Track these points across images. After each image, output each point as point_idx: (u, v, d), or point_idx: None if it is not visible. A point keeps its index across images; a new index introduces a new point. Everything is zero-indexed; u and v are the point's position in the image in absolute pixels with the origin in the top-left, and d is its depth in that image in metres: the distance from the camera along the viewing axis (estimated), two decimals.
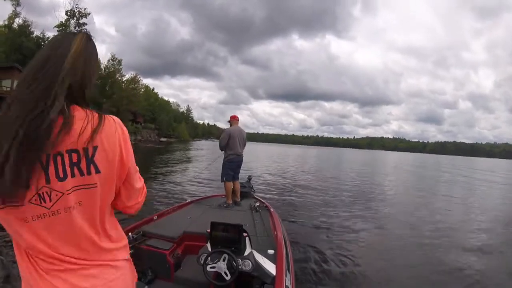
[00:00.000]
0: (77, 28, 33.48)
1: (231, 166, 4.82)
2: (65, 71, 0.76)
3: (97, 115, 0.81)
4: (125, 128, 0.88)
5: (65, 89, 0.76)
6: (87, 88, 0.85)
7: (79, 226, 0.79)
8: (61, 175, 0.75)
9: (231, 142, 4.83)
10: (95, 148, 0.78)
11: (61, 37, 0.85)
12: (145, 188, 1.03)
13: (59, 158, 0.74)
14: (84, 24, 34.17)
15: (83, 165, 0.76)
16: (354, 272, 3.57)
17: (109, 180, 0.83)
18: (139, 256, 2.52)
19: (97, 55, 0.92)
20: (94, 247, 0.83)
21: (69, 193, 0.76)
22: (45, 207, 0.75)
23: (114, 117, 0.87)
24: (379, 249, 4.33)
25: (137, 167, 0.96)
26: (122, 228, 0.94)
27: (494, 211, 8.25)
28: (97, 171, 0.78)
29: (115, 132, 0.83)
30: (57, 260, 0.78)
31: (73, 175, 0.76)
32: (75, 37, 0.84)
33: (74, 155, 0.76)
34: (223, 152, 4.97)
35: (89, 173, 0.78)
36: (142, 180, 1.01)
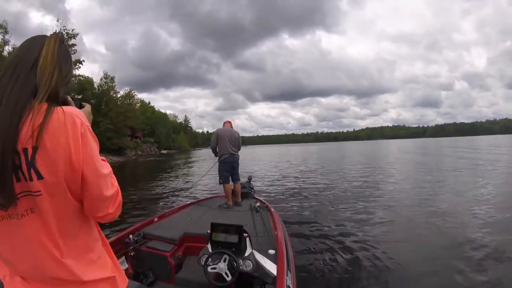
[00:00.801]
0: None
1: (226, 167, 4.78)
2: (35, 73, 0.75)
3: (44, 107, 0.71)
4: (79, 122, 0.74)
5: (33, 90, 0.73)
6: (58, 90, 0.79)
7: (34, 237, 0.73)
8: None
9: (220, 142, 4.80)
10: (34, 149, 0.68)
11: (32, 40, 0.82)
12: (119, 196, 0.86)
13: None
14: (74, 45, 34.23)
15: (24, 168, 0.69)
16: (356, 271, 3.51)
17: (57, 188, 0.72)
18: (140, 258, 2.56)
19: (69, 57, 0.87)
20: (55, 262, 0.75)
21: (18, 198, 0.70)
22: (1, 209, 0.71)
23: (67, 108, 0.75)
24: (384, 247, 4.21)
25: (105, 171, 0.80)
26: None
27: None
28: (39, 177, 0.69)
29: (62, 129, 0.71)
30: (17, 271, 0.76)
31: (18, 179, 0.69)
32: (46, 40, 0.81)
33: (16, 157, 0.68)
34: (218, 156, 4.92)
35: (30, 178, 0.69)
36: (115, 186, 0.84)
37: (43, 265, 0.74)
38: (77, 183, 0.74)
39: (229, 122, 5.15)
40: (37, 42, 0.80)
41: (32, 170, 0.69)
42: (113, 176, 0.85)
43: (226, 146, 4.78)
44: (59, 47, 0.81)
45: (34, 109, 0.70)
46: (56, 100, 0.77)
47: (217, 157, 4.94)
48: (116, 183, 0.85)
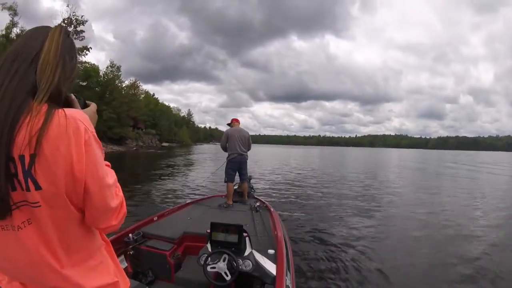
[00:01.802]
0: (75, 36, 33.70)
1: (232, 166, 4.85)
2: (35, 68, 0.67)
3: (44, 109, 0.64)
4: (83, 128, 0.66)
5: (31, 89, 0.66)
6: (61, 89, 0.71)
7: (32, 249, 0.67)
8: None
9: (230, 142, 4.86)
10: (32, 156, 0.61)
11: (33, 31, 0.74)
12: (124, 207, 0.79)
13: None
14: (82, 31, 34.30)
15: (20, 177, 0.62)
16: (356, 271, 3.52)
17: (57, 199, 0.65)
18: (139, 257, 2.55)
19: (74, 52, 0.79)
20: (54, 274, 0.70)
21: (14, 209, 0.64)
22: None
23: (70, 111, 0.67)
24: (383, 248, 4.27)
25: (110, 180, 0.73)
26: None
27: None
28: (37, 188, 0.63)
29: (63, 135, 0.63)
30: (16, 278, 0.72)
31: (13, 189, 0.63)
32: (49, 32, 0.73)
33: (11, 164, 0.61)
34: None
35: (27, 188, 0.63)
36: (120, 196, 0.77)
37: (42, 276, 0.70)
38: (79, 195, 0.68)
39: (237, 120, 5.16)
40: (39, 34, 0.72)
41: (29, 180, 0.62)
42: (118, 185, 0.79)
43: (236, 146, 4.84)
44: (64, 41, 0.73)
45: (33, 111, 0.63)
46: (58, 100, 0.70)
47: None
48: (121, 193, 0.78)
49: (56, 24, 0.77)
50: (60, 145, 0.63)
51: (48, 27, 0.75)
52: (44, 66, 0.68)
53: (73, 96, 0.82)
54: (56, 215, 0.67)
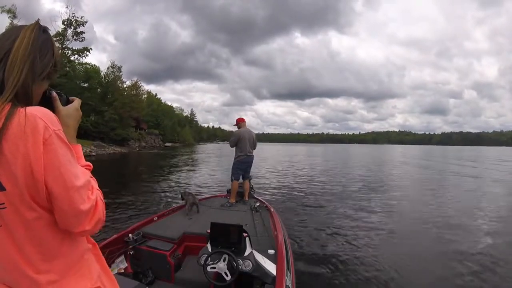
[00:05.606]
0: (75, 37, 33.80)
1: (241, 166, 4.99)
2: (4, 67, 0.66)
3: (7, 109, 0.63)
4: (42, 126, 0.64)
5: None
6: (30, 88, 0.69)
7: (4, 253, 0.67)
8: None
9: (241, 143, 4.99)
10: None
11: (7, 31, 0.73)
12: (97, 211, 0.73)
13: None
14: (82, 32, 34.39)
15: None
16: (356, 272, 3.51)
17: (21, 200, 0.64)
18: (139, 257, 2.57)
19: (49, 48, 0.75)
20: (28, 280, 0.68)
21: None
22: None
23: (31, 109, 0.65)
24: (385, 248, 4.25)
25: (78, 182, 0.68)
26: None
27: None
28: (1, 188, 0.62)
29: (22, 134, 0.61)
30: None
31: None
32: (23, 30, 0.71)
33: None
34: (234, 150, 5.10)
35: None
36: (92, 200, 0.71)
37: (16, 281, 0.69)
38: (41, 196, 0.65)
39: (244, 120, 5.24)
40: (12, 33, 0.70)
41: None
42: (92, 187, 0.74)
43: (246, 147, 5.00)
44: (36, 38, 0.71)
45: None
46: (27, 99, 0.68)
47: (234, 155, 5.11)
48: (94, 196, 0.73)
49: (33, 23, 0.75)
50: (19, 145, 0.61)
51: (23, 26, 0.73)
52: (12, 65, 0.67)
53: (54, 93, 0.81)
54: (24, 217, 0.66)
